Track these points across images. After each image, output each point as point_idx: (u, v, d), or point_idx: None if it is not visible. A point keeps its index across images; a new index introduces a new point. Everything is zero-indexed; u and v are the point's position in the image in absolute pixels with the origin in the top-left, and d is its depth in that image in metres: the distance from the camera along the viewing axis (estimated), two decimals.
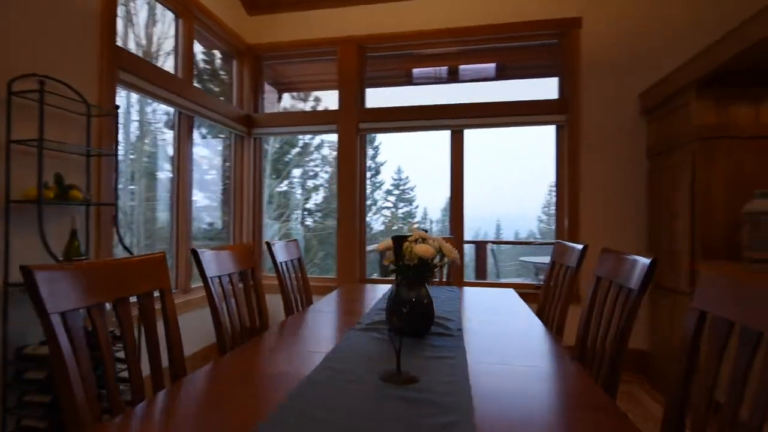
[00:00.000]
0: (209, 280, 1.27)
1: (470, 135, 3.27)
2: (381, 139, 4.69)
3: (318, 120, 3.47)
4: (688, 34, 2.81)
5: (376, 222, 6.39)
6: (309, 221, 4.70)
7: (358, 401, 0.79)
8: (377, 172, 5.34)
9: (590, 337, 1.24)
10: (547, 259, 2.20)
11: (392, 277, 2.19)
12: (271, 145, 4.09)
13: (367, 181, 3.48)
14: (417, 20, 3.22)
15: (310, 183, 4.49)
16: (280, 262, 1.81)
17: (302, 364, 1.01)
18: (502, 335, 1.29)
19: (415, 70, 3.45)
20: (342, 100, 3.36)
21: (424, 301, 1.23)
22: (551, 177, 3.17)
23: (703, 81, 2.23)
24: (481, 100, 3.14)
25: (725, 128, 2.22)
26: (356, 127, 3.33)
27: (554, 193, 3.14)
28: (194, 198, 2.95)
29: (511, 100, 3.10)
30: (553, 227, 3.18)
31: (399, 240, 0.97)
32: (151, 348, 1.01)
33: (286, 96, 3.96)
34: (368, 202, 3.49)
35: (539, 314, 1.84)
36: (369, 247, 3.49)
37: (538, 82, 3.20)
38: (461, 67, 3.34)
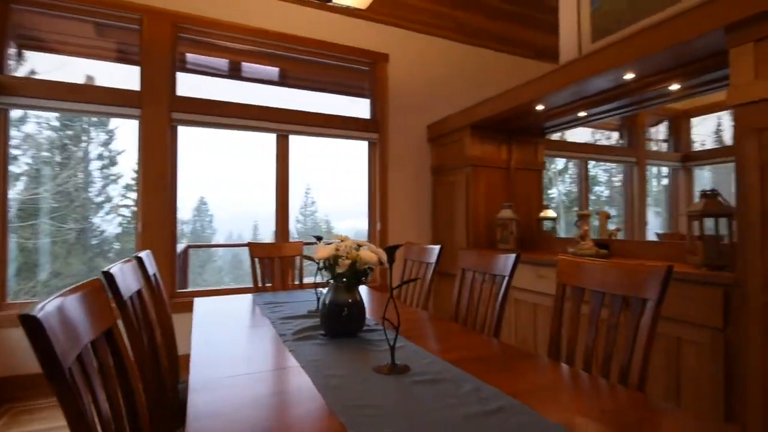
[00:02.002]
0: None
1: (292, 140, 3.38)
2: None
3: (110, 98, 2.77)
4: (463, 91, 3.85)
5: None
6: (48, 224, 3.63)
7: (390, 392, 0.91)
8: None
9: (462, 307, 1.69)
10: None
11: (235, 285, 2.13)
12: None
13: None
14: (241, 14, 3.08)
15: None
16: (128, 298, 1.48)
17: (296, 383, 0.99)
18: (404, 321, 1.57)
19: (244, 65, 3.27)
20: (146, 80, 2.82)
21: (360, 301, 1.37)
22: (357, 183, 3.66)
23: (474, 125, 3.16)
24: (307, 109, 3.31)
25: (485, 160, 3.23)
26: (168, 116, 2.87)
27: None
28: None
29: (333, 114, 3.40)
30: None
31: (391, 250, 1.08)
32: None
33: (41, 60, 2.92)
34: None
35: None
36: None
37: (357, 101, 3.64)
38: (278, 71, 3.40)
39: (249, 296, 2.08)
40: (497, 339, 1.42)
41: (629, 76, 2.16)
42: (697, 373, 1.68)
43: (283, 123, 3.23)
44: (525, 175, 3.36)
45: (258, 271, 2.34)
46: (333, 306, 1.33)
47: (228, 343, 1.31)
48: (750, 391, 1.50)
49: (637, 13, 2.29)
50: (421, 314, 1.72)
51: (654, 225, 5.16)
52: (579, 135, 4.41)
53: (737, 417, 1.54)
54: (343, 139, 3.50)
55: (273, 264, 2.36)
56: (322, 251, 1.32)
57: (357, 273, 1.34)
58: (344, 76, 3.60)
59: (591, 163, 3.94)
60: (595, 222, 2.91)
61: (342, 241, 1.39)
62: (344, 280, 1.35)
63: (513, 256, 1.52)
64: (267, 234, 3.38)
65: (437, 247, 1.97)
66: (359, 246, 1.36)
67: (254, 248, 2.37)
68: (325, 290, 1.42)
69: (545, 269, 2.44)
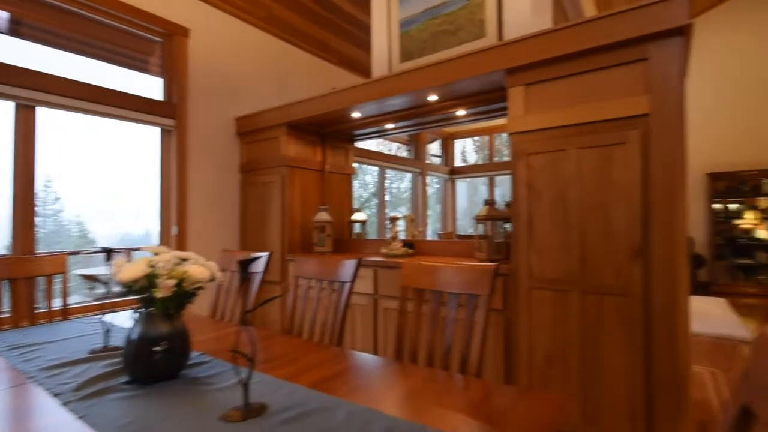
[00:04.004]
0: None
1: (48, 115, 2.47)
2: None
3: None
4: (274, 87, 3.63)
5: None
6: None
7: None
8: None
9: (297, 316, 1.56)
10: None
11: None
12: None
13: None
14: None
15: None
16: None
17: None
18: (235, 343, 1.33)
19: None
20: None
21: (183, 332, 1.07)
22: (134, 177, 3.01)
23: (291, 124, 3.03)
24: (64, 75, 2.47)
25: (301, 161, 3.14)
26: None
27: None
28: None
29: (112, 88, 2.66)
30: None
31: (245, 264, 0.83)
32: None
33: None
34: None
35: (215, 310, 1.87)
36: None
37: (144, 78, 2.94)
38: (8, 17, 2.45)
39: None
40: (340, 347, 1.37)
41: (432, 97, 2.48)
42: (486, 348, 2.06)
43: (26, 89, 2.33)
44: (338, 179, 3.45)
45: None
46: (145, 342, 1.00)
47: None
48: (521, 353, 1.93)
49: (436, 44, 2.66)
50: (251, 331, 1.50)
51: (431, 223, 6.16)
52: (377, 145, 4.85)
53: (514, 375, 1.96)
54: (124, 120, 2.79)
55: (17, 288, 1.64)
56: (130, 270, 0.97)
57: (181, 296, 1.05)
58: (127, 43, 2.87)
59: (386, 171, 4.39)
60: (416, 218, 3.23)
61: (156, 254, 1.06)
62: (162, 306, 1.03)
63: (354, 262, 1.50)
64: None
65: (264, 255, 1.78)
66: (182, 260, 1.07)
67: None
68: (108, 318, 1.05)
69: (363, 270, 2.55)
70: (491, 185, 5.40)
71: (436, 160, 6.51)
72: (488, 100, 2.44)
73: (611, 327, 1.71)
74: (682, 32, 1.57)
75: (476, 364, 1.15)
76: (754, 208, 6.20)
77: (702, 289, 6.37)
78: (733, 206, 6.32)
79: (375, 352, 2.47)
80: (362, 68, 4.61)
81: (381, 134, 3.37)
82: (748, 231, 6.25)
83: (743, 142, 6.28)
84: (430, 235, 5.71)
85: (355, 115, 2.86)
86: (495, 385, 1.01)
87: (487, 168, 6.22)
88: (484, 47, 2.05)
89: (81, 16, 2.61)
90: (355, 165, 4.78)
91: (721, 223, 6.40)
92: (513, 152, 1.98)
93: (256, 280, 1.72)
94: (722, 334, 3.83)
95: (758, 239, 6.16)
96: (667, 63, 1.59)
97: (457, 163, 7.23)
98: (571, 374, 1.80)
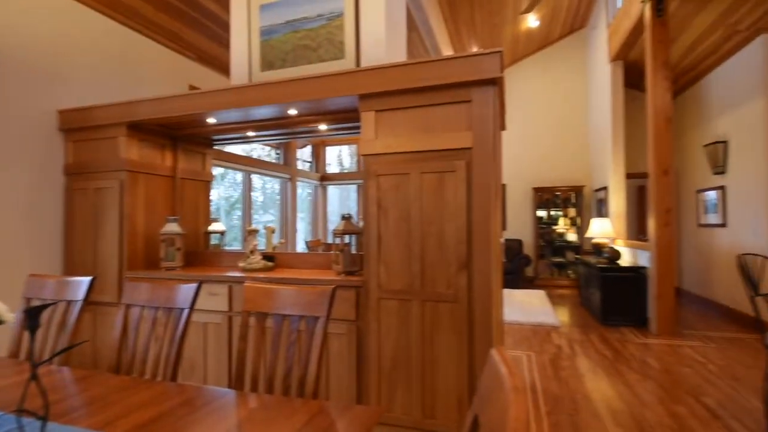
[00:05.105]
0: None
1: None
2: None
3: None
4: (111, 78, 3.15)
5: None
6: None
7: None
8: None
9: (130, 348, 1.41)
10: None
11: None
12: None
13: None
14: None
15: None
16: None
17: None
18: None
19: None
20: None
21: None
22: None
23: (133, 124, 2.70)
24: None
25: (146, 165, 2.82)
26: None
27: None
28: None
29: None
30: None
31: (33, 313, 0.68)
32: None
33: None
34: None
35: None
36: None
37: None
38: None
39: None
40: (175, 381, 1.28)
41: (292, 111, 2.49)
42: (340, 357, 2.15)
43: None
44: (192, 186, 3.19)
45: None
46: None
47: None
48: (371, 360, 2.07)
49: (298, 58, 2.68)
50: (65, 374, 1.31)
51: (301, 229, 6.13)
52: (244, 148, 4.65)
53: (365, 381, 2.09)
54: None
55: None
56: None
57: None
58: None
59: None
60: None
61: None
62: None
63: (194, 286, 1.42)
64: None
65: (85, 280, 1.55)
66: None
67: None
68: None
69: (217, 286, 2.42)
70: (361, 192, 5.61)
71: (309, 166, 6.51)
72: (348, 118, 2.55)
73: (444, 329, 1.96)
74: (495, 82, 1.89)
75: (313, 386, 1.20)
76: (565, 216, 7.73)
77: (528, 283, 7.68)
78: (554, 213, 7.78)
79: (229, 374, 2.36)
80: (227, 67, 4.34)
81: (244, 141, 3.23)
82: (561, 234, 7.76)
83: (555, 164, 7.81)
84: (300, 242, 5.68)
85: (212, 121, 2.69)
86: (323, 405, 1.07)
87: (358, 176, 6.45)
88: (341, 71, 2.15)
89: None
90: (221, 169, 4.50)
91: (543, 229, 7.82)
92: (365, 172, 2.12)
93: (74, 312, 1.49)
94: (539, 322, 4.69)
95: (568, 241, 7.69)
96: (484, 106, 1.91)
97: (333, 168, 7.33)
98: (413, 374, 2.00)
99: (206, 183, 3.33)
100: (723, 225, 5.16)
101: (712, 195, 5.40)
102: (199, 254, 2.99)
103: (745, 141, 4.74)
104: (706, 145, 5.51)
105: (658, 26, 4.24)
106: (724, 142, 5.13)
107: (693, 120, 6.11)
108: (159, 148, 2.94)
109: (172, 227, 2.75)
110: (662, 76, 4.20)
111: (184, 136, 3.05)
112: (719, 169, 5.21)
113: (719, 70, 5.30)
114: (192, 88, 3.99)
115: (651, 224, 4.28)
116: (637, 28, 4.79)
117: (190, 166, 3.16)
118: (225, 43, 4.01)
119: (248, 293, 1.35)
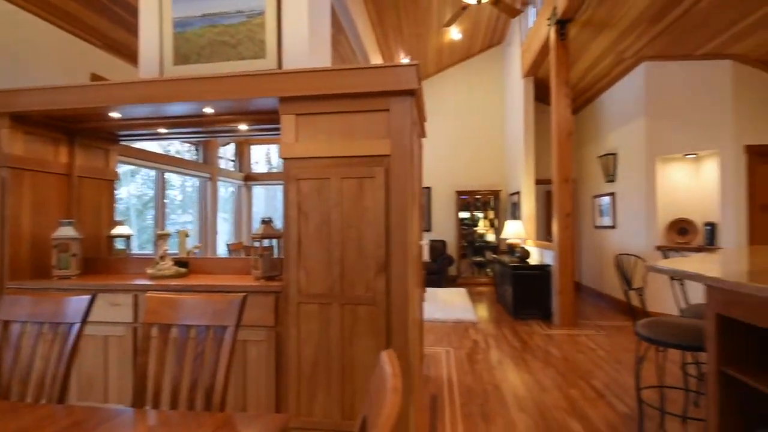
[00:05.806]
0: None
1: None
2: None
3: None
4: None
5: None
6: None
7: None
8: None
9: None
10: None
11: None
12: None
13: None
14: None
15: None
16: None
17: None
18: None
19: None
20: None
21: None
22: None
23: (16, 115, 2.38)
24: None
25: (34, 162, 2.50)
26: None
27: None
28: None
29: None
30: None
31: None
32: None
33: None
34: None
35: None
36: None
37: None
38: None
39: None
40: (63, 403, 1.17)
41: (208, 110, 2.37)
42: (258, 364, 2.09)
43: None
44: (93, 185, 2.89)
45: None
46: None
47: None
48: (290, 364, 2.04)
49: (214, 54, 2.56)
50: None
51: (223, 231, 5.84)
52: (155, 146, 4.33)
53: (284, 386, 2.06)
54: None
55: None
56: None
57: None
58: None
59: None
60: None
61: None
62: None
63: (86, 298, 1.30)
64: None
65: None
66: None
67: None
68: None
69: (121, 296, 2.22)
70: None
71: (233, 165, 6.20)
72: (271, 120, 2.49)
73: (363, 331, 2.01)
74: (413, 93, 1.98)
75: (220, 397, 1.17)
76: (485, 218, 8.25)
77: (451, 282, 8.08)
78: (475, 215, 8.26)
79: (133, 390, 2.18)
80: (136, 56, 4.00)
81: (155, 138, 3.01)
82: (482, 235, 8.28)
83: (476, 169, 8.32)
84: (222, 245, 5.40)
85: (116, 115, 2.47)
86: (229, 416, 1.05)
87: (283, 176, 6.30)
88: (261, 72, 2.10)
89: None
90: (128, 167, 4.13)
91: (466, 230, 8.28)
92: (285, 176, 2.09)
93: None
94: (459, 319, 4.97)
95: (487, 242, 8.22)
96: (402, 116, 1.99)
97: (261, 167, 7.03)
98: (333, 377, 2.02)
99: (110, 182, 3.04)
100: (613, 227, 5.89)
101: (605, 200, 6.13)
102: (102, 261, 2.73)
103: (629, 153, 5.45)
104: (600, 156, 6.24)
105: (561, 48, 4.72)
106: (614, 154, 5.86)
107: (590, 134, 6.88)
108: (51, 143, 2.63)
109: (67, 231, 2.47)
110: (563, 94, 4.68)
111: (84, 130, 2.76)
112: (610, 177, 5.94)
113: (611, 90, 6.04)
114: (96, 77, 3.62)
115: (555, 226, 4.75)
116: (544, 49, 5.29)
117: (90, 164, 2.87)
118: (134, 30, 3.70)
119: (151, 304, 1.27)
